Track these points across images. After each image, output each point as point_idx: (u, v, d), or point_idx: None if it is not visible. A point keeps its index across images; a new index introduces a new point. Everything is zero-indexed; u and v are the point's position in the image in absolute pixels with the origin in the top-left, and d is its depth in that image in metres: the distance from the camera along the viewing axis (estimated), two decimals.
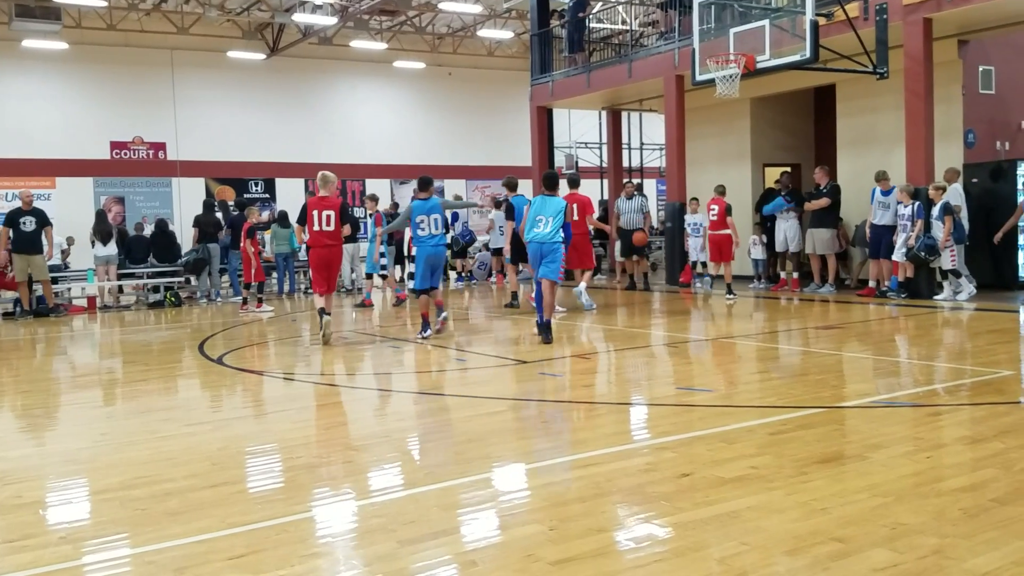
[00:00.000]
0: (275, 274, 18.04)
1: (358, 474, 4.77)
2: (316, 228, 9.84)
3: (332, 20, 23.38)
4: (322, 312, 9.93)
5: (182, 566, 3.40)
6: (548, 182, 10.27)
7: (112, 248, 15.86)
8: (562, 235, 9.85)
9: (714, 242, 14.24)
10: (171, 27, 24.98)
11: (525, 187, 22.85)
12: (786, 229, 14.63)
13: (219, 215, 17.46)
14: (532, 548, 3.47)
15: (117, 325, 13.56)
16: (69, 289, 16.73)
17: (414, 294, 10.21)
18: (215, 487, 4.48)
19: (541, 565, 3.29)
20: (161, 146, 25.55)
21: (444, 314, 10.44)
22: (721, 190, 14.37)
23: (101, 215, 16.82)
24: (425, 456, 5.27)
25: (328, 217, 9.79)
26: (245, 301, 14.44)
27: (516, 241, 12.24)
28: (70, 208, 23.07)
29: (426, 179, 10.26)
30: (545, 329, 9.51)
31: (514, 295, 13.24)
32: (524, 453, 5.11)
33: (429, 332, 10.05)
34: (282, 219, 17.68)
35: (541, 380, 7.57)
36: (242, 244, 14.44)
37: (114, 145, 25.01)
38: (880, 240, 12.97)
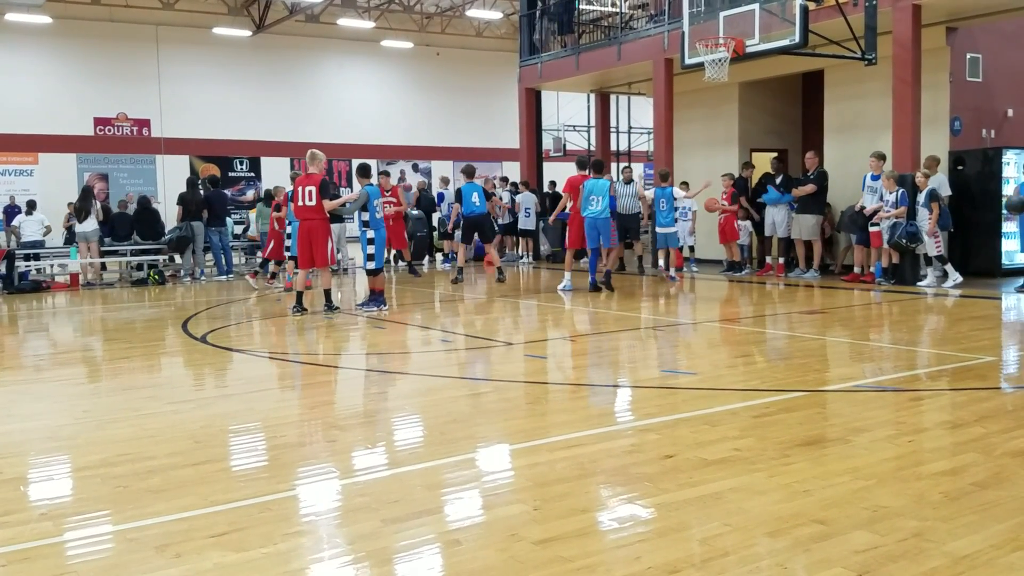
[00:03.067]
0: (259, 253, 17.92)
1: (342, 453, 4.76)
2: (300, 203, 10.31)
3: None
4: (299, 297, 10.60)
5: (164, 543, 3.38)
6: (597, 167, 12.52)
7: (91, 224, 15.67)
8: (609, 211, 12.28)
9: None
10: (156, 2, 24.73)
11: (512, 169, 22.85)
12: (774, 214, 14.65)
13: (201, 192, 17.28)
14: (516, 528, 3.48)
15: (100, 302, 13.47)
16: (53, 266, 16.60)
17: (372, 273, 10.86)
18: (198, 465, 4.46)
19: (525, 544, 3.30)
20: (145, 123, 25.35)
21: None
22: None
23: (86, 192, 16.58)
24: (409, 436, 5.27)
25: (310, 192, 10.21)
26: (274, 275, 14.71)
27: (466, 223, 14.08)
28: (53, 184, 22.87)
29: (367, 166, 11.33)
30: (606, 283, 12.41)
31: (460, 270, 14.15)
32: (509, 434, 5.11)
33: (387, 308, 10.79)
34: (267, 198, 17.56)
35: (527, 361, 7.58)
36: (270, 220, 14.91)
37: (98, 121, 24.79)
38: (868, 226, 12.99)
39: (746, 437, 4.75)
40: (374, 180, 11.67)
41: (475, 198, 13.96)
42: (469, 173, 14.46)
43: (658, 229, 14.33)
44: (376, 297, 10.80)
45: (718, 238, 15.47)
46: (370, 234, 10.68)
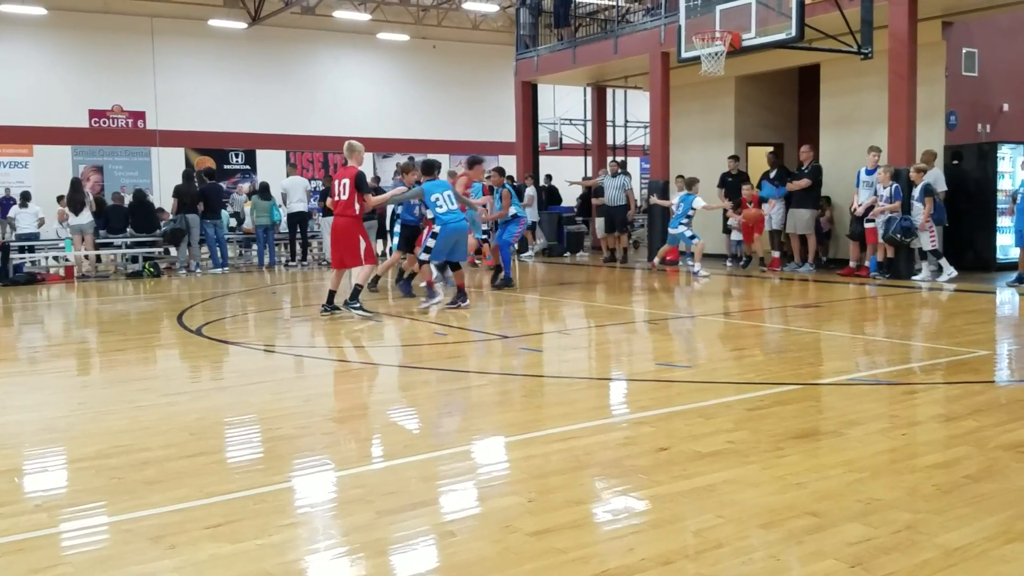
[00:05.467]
0: (255, 246, 17.92)
1: (337, 445, 4.76)
2: (335, 198, 9.59)
3: None
4: (330, 296, 9.66)
5: (159, 535, 3.39)
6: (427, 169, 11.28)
7: (85, 217, 15.61)
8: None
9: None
10: None
11: (509, 163, 22.82)
12: (770, 209, 14.66)
13: (196, 184, 17.20)
14: (510, 519, 3.49)
15: (95, 295, 13.45)
16: (47, 258, 16.57)
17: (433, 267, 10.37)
18: (193, 457, 4.46)
19: (519, 536, 3.31)
20: (140, 115, 25.25)
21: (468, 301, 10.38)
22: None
23: (76, 184, 16.53)
24: (404, 428, 5.28)
25: (344, 186, 9.43)
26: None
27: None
28: (48, 176, 22.78)
29: (431, 164, 10.54)
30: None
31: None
32: (504, 426, 5.12)
33: (437, 299, 10.23)
34: (263, 191, 17.55)
35: (522, 355, 7.58)
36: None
37: (93, 113, 24.69)
38: (862, 220, 13.01)
39: (740, 430, 4.76)
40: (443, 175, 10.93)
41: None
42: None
43: (669, 230, 14.52)
44: (460, 293, 10.19)
45: (743, 236, 15.27)
46: (435, 228, 10.03)
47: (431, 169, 10.48)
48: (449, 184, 10.54)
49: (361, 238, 9.57)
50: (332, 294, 9.77)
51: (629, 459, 4.30)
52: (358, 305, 9.42)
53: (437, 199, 10.07)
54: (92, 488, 4.02)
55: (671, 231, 14.49)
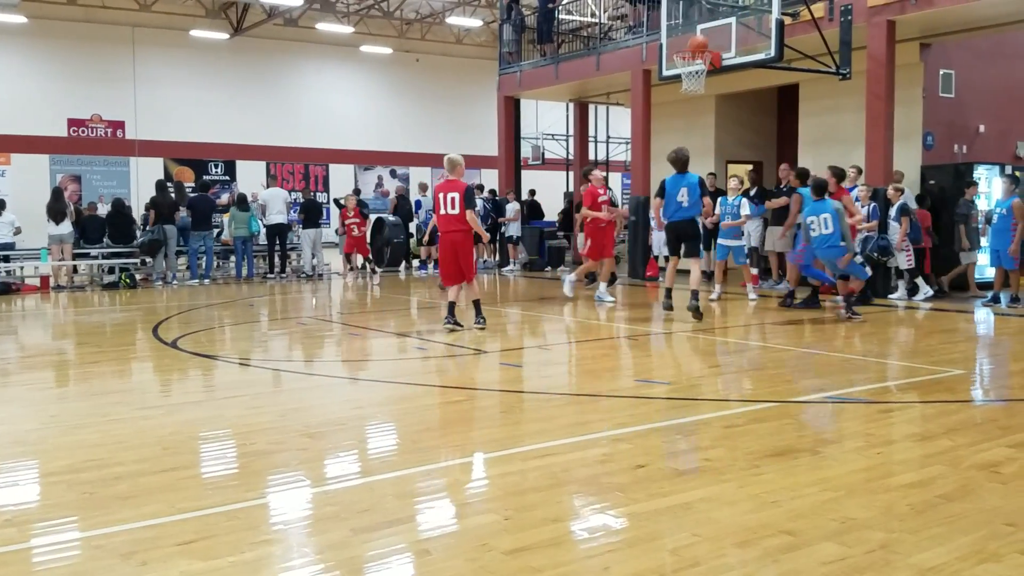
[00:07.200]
0: (233, 258, 17.81)
1: (313, 461, 4.73)
2: (442, 212, 9.32)
3: (298, 1, 23.11)
4: (451, 308, 9.45)
5: (131, 551, 3.35)
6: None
7: (65, 227, 15.48)
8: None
9: None
10: (133, 3, 24.54)
11: (490, 177, 22.84)
12: (748, 226, 14.73)
13: (172, 195, 17.09)
14: (486, 537, 3.47)
15: (70, 306, 13.31)
16: (22, 268, 16.38)
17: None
18: (166, 472, 4.42)
19: (495, 554, 3.29)
20: (120, 124, 25.13)
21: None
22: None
23: (57, 193, 16.37)
24: (381, 444, 5.25)
25: (453, 200, 9.20)
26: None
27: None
28: (25, 185, 22.60)
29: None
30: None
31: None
32: (481, 442, 5.11)
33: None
34: (241, 202, 17.45)
35: (500, 370, 7.57)
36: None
37: (72, 122, 24.55)
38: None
39: (717, 447, 4.77)
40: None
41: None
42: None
43: (721, 240, 13.19)
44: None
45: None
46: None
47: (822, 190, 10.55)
48: (829, 206, 10.39)
49: (474, 251, 9.41)
50: (452, 305, 9.53)
51: (606, 476, 4.29)
52: (481, 323, 9.41)
53: (812, 222, 10.45)
54: (63, 503, 3.97)
55: (724, 242, 13.19)
